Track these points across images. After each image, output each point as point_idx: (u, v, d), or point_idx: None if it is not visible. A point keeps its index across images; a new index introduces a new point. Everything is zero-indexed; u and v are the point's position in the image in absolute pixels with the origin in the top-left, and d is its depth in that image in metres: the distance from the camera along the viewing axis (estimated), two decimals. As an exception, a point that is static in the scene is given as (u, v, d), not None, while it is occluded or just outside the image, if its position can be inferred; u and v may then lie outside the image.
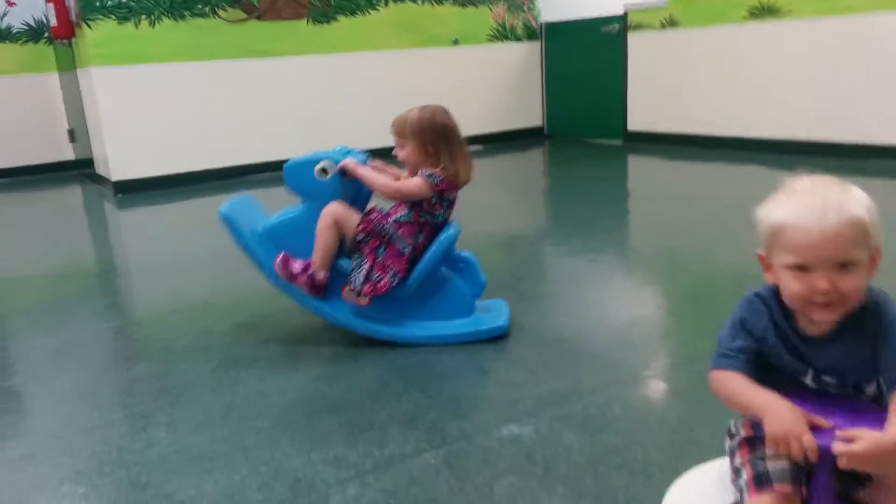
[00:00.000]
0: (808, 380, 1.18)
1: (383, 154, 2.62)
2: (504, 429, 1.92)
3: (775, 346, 1.18)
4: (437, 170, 2.46)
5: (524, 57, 7.92)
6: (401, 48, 7.14)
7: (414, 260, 2.50)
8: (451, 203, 2.54)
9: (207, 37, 6.26)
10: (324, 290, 2.53)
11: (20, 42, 7.29)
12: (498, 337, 2.51)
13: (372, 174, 2.51)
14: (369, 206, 2.62)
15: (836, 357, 1.15)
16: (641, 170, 6.22)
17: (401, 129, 2.50)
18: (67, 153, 7.61)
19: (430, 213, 2.50)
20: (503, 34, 7.74)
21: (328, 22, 6.76)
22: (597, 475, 1.68)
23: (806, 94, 5.65)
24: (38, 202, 6.24)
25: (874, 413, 1.13)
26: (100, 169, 6.59)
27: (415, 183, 2.46)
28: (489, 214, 4.48)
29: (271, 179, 2.62)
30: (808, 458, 1.05)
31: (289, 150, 6.38)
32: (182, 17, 6.15)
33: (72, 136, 7.48)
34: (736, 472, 1.20)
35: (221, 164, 6.37)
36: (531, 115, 8.11)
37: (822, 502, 1.13)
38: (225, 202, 2.54)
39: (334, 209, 2.49)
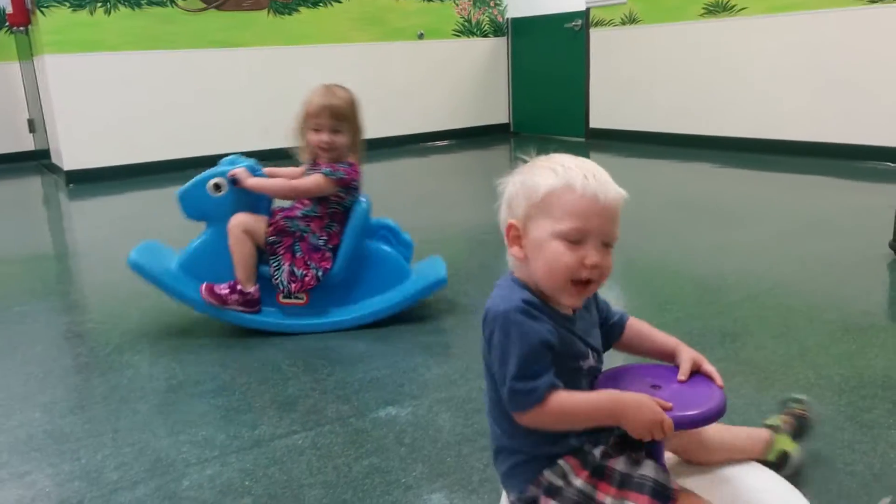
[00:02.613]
0: (592, 361, 1.15)
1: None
2: (382, 411, 1.89)
3: (561, 334, 1.08)
4: (343, 164, 2.39)
5: (490, 53, 7.88)
6: (364, 41, 7.10)
7: (335, 248, 2.45)
8: (358, 188, 2.49)
9: (165, 26, 6.19)
10: (258, 303, 2.47)
11: (-21, 30, 7.21)
12: (406, 320, 2.49)
13: (263, 182, 2.43)
14: (273, 206, 2.54)
15: (585, 328, 1.16)
16: (599, 166, 6.20)
17: (346, 111, 2.39)
18: (28, 143, 7.52)
19: (339, 203, 2.45)
20: (469, 29, 7.71)
21: (289, 13, 6.71)
22: (459, 455, 1.65)
23: (757, 92, 5.65)
24: (-9, 191, 6.15)
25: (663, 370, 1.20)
26: (55, 159, 6.51)
27: (313, 181, 2.38)
28: (444, 208, 4.45)
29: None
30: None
31: (247, 142, 6.40)
32: (139, 5, 6.08)
33: (31, 125, 7.39)
34: None
35: (177, 155, 6.28)
36: (497, 111, 8.08)
37: (659, 460, 1.15)
38: (132, 251, 2.46)
39: (240, 220, 2.41)
